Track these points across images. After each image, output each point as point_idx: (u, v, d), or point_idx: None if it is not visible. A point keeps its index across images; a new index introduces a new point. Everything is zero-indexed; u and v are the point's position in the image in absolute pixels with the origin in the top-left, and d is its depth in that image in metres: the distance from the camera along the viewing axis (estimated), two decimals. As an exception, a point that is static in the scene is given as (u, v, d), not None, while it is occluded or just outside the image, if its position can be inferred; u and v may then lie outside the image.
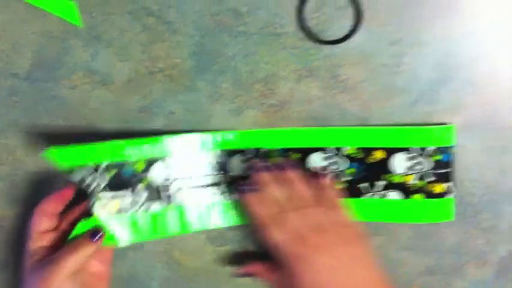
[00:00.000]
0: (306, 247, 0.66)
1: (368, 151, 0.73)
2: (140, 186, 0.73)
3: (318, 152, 0.73)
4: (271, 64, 0.73)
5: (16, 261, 0.80)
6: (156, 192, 0.74)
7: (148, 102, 0.75)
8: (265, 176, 0.71)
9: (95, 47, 0.74)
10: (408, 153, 0.72)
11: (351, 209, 0.72)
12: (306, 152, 0.74)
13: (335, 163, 0.73)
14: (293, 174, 0.71)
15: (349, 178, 0.74)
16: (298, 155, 0.74)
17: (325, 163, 0.74)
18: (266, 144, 0.73)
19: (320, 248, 0.66)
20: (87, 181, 0.72)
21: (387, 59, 0.72)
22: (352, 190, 0.74)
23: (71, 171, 0.71)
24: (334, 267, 0.66)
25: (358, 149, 0.73)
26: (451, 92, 0.72)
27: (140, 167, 0.72)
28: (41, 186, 0.79)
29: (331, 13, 0.71)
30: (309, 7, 0.71)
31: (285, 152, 0.73)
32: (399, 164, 0.73)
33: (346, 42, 0.71)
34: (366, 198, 0.74)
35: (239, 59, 0.73)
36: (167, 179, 0.73)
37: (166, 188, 0.74)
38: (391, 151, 0.73)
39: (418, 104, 0.73)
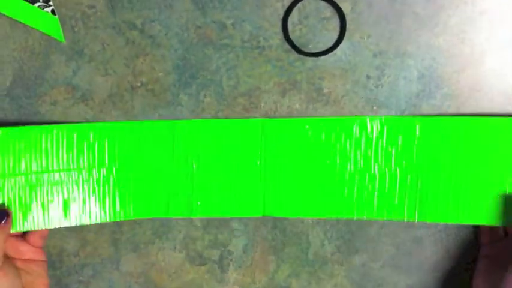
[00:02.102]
0: None
1: None
2: None
3: None
4: (254, 77, 0.73)
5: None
6: None
7: (129, 118, 0.75)
8: None
9: (76, 61, 0.74)
10: None
11: None
12: None
13: None
14: None
15: None
16: None
17: None
18: None
19: None
20: None
21: (370, 71, 0.72)
22: None
23: None
24: None
25: None
26: (433, 105, 0.73)
27: None
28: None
29: (315, 25, 0.72)
30: (293, 19, 0.72)
31: None
32: None
33: (330, 54, 0.72)
34: None
35: (222, 73, 0.73)
36: None
37: None
38: None
39: (401, 118, 0.73)
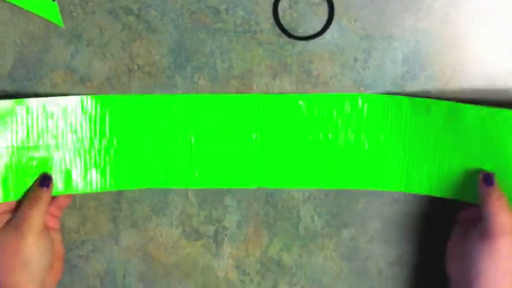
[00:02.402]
0: None
1: None
2: None
3: None
4: (247, 60, 0.76)
5: None
6: None
7: (127, 99, 0.77)
8: None
9: (75, 45, 0.77)
10: None
11: None
12: None
13: None
14: None
15: None
16: None
17: None
18: None
19: None
20: None
21: (358, 54, 0.75)
22: None
23: None
24: None
25: None
26: (417, 85, 0.76)
27: None
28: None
29: (304, 10, 0.74)
30: (283, 4, 0.74)
31: None
32: None
33: (319, 37, 0.75)
34: None
35: (216, 56, 0.76)
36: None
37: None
38: None
39: (387, 98, 0.76)
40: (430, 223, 0.79)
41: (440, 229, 0.78)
